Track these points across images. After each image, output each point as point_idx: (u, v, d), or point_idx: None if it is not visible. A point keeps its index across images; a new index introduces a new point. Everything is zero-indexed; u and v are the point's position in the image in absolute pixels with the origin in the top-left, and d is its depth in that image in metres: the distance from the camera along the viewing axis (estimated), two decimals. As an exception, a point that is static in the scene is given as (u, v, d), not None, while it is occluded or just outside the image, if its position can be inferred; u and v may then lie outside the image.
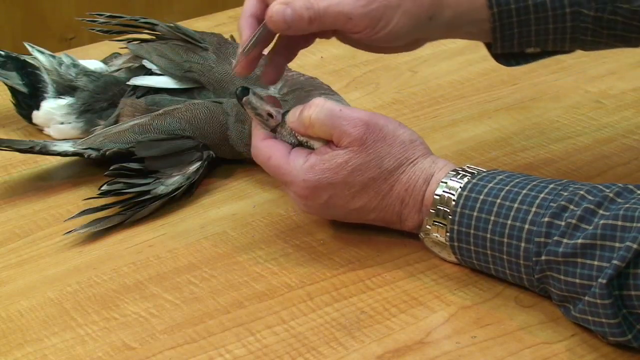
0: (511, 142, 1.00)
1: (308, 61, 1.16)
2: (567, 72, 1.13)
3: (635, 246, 0.69)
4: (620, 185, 0.74)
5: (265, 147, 0.82)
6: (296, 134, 0.82)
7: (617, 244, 0.70)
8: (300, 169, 0.80)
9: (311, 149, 0.82)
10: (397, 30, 0.81)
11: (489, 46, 0.87)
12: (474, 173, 0.79)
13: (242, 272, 0.82)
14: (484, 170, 0.80)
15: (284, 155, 0.81)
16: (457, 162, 0.96)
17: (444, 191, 0.79)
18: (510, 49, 0.86)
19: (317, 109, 0.80)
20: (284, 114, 0.83)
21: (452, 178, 0.79)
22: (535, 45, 0.85)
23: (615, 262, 0.69)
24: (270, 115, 0.82)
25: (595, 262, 0.71)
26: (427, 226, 0.80)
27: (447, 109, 1.06)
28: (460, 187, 0.78)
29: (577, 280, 0.72)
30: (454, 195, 0.78)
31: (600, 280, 0.70)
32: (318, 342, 0.74)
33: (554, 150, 0.98)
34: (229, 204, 0.91)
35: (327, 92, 0.96)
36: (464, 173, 0.79)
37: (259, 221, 0.88)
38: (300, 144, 0.82)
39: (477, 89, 1.10)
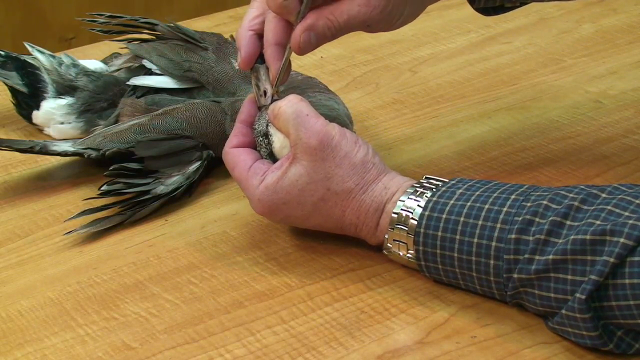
0: (511, 142, 1.00)
1: (308, 61, 1.16)
2: (567, 72, 1.13)
3: (612, 260, 0.69)
4: (584, 188, 0.74)
5: (231, 156, 0.84)
6: (268, 124, 0.83)
7: (588, 258, 0.70)
8: (256, 189, 0.81)
9: (270, 146, 0.82)
10: (409, 18, 0.84)
11: (470, 1, 0.92)
12: (432, 188, 0.79)
13: (242, 272, 0.82)
14: (442, 181, 0.80)
15: (244, 170, 0.82)
16: (457, 162, 0.96)
17: (401, 209, 0.78)
18: (493, 3, 0.91)
19: (288, 103, 0.81)
20: (274, 101, 0.84)
21: (410, 196, 0.78)
22: None
23: (593, 277, 0.69)
24: (265, 93, 0.84)
25: (569, 277, 0.71)
26: (389, 244, 0.80)
27: (447, 109, 1.06)
28: (421, 206, 0.77)
29: (552, 295, 0.72)
30: (411, 213, 0.78)
31: (578, 295, 0.70)
32: (318, 342, 0.74)
33: (554, 150, 0.98)
34: (229, 204, 0.91)
35: (323, 91, 0.96)
36: (422, 190, 0.79)
37: (259, 221, 0.88)
38: (266, 137, 0.83)
39: (477, 89, 1.10)
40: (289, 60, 0.83)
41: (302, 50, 0.82)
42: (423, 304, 0.78)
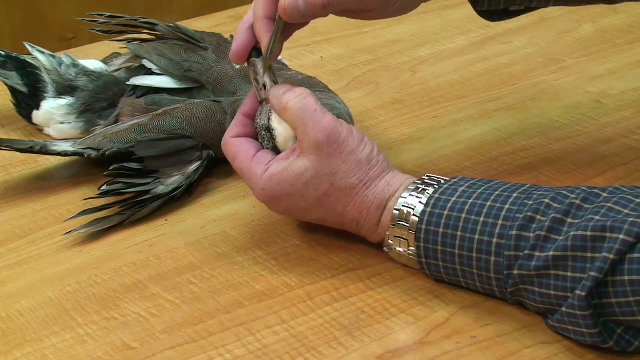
0: (511, 142, 1.00)
1: (308, 61, 1.16)
2: (567, 72, 1.13)
3: (612, 256, 0.69)
4: (585, 188, 0.74)
5: (232, 145, 0.83)
6: (270, 118, 0.82)
7: (589, 254, 0.70)
8: (260, 178, 0.80)
9: (274, 140, 0.82)
10: (406, 6, 0.83)
11: (473, 3, 0.89)
12: (434, 185, 0.79)
13: (242, 272, 0.82)
14: (444, 179, 0.80)
15: (247, 158, 0.82)
16: (457, 162, 0.96)
17: (403, 206, 0.78)
18: (497, 6, 0.88)
19: (297, 98, 0.80)
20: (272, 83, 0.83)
21: (411, 193, 0.79)
22: (521, 2, 0.88)
23: (592, 273, 0.69)
24: (264, 86, 0.84)
25: (569, 274, 0.71)
26: (390, 241, 0.80)
27: (447, 109, 1.06)
28: (422, 202, 0.78)
29: (552, 292, 0.72)
30: (413, 209, 0.78)
31: (578, 292, 0.70)
32: (318, 342, 0.74)
33: (554, 150, 0.98)
34: (229, 204, 0.91)
35: (323, 91, 0.96)
36: (423, 187, 0.79)
37: (259, 221, 0.88)
38: (268, 131, 0.82)
39: (477, 89, 1.10)
40: (281, 31, 0.81)
41: (290, 16, 0.79)
42: (423, 304, 0.78)
